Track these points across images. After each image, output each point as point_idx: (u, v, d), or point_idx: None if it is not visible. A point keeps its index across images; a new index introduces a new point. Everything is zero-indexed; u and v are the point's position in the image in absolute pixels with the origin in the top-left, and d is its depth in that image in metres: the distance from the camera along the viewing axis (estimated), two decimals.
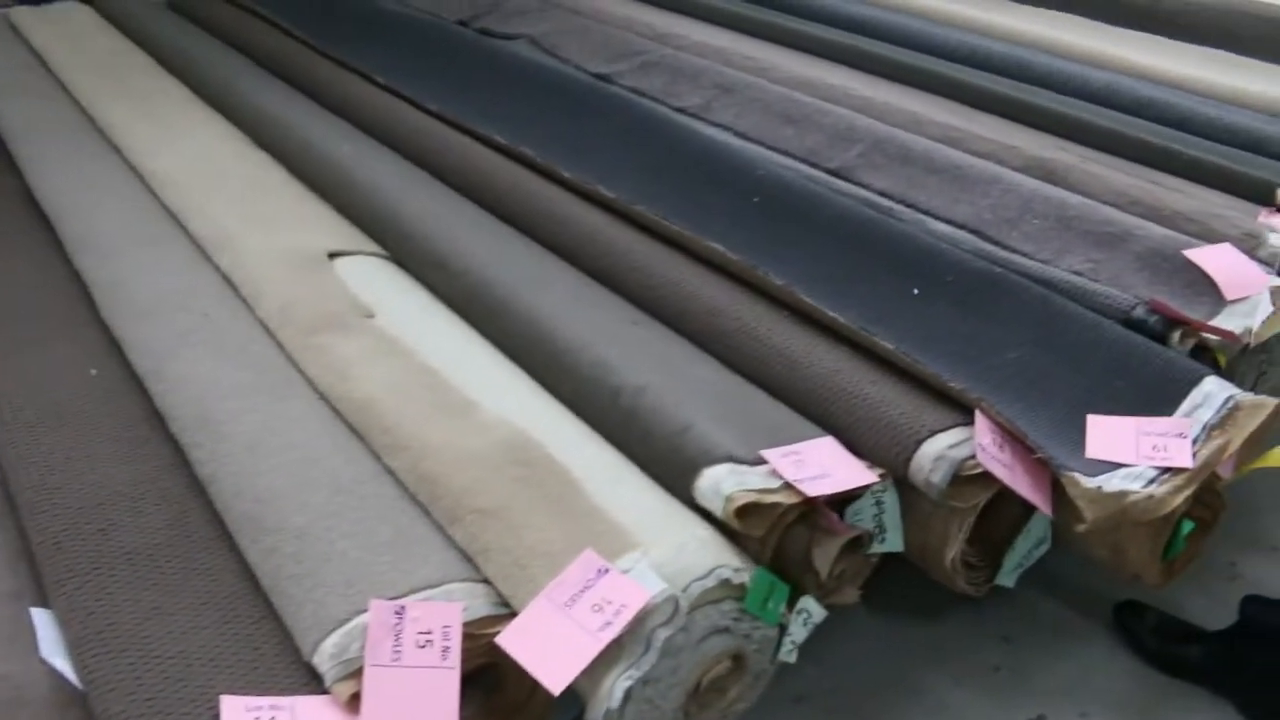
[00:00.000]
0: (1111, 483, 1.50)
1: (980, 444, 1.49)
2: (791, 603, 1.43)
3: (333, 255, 2.00)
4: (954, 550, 1.54)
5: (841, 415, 1.57)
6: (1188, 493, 1.51)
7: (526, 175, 2.20)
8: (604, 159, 2.28)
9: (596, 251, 1.96)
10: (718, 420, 1.52)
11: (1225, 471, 1.62)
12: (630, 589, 1.25)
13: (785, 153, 2.39)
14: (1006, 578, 1.66)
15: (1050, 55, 2.87)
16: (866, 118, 2.47)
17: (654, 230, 1.99)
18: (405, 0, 3.51)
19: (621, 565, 1.30)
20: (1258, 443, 1.64)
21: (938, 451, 1.48)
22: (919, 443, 1.49)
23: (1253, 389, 2.02)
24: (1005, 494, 1.53)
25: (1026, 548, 1.65)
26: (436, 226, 2.01)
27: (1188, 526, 1.59)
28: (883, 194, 2.21)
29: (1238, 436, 1.58)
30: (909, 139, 2.35)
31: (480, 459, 1.46)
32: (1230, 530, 1.87)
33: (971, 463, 1.47)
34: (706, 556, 1.32)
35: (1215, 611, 1.82)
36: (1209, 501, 1.66)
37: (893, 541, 1.58)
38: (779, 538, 1.45)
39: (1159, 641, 1.80)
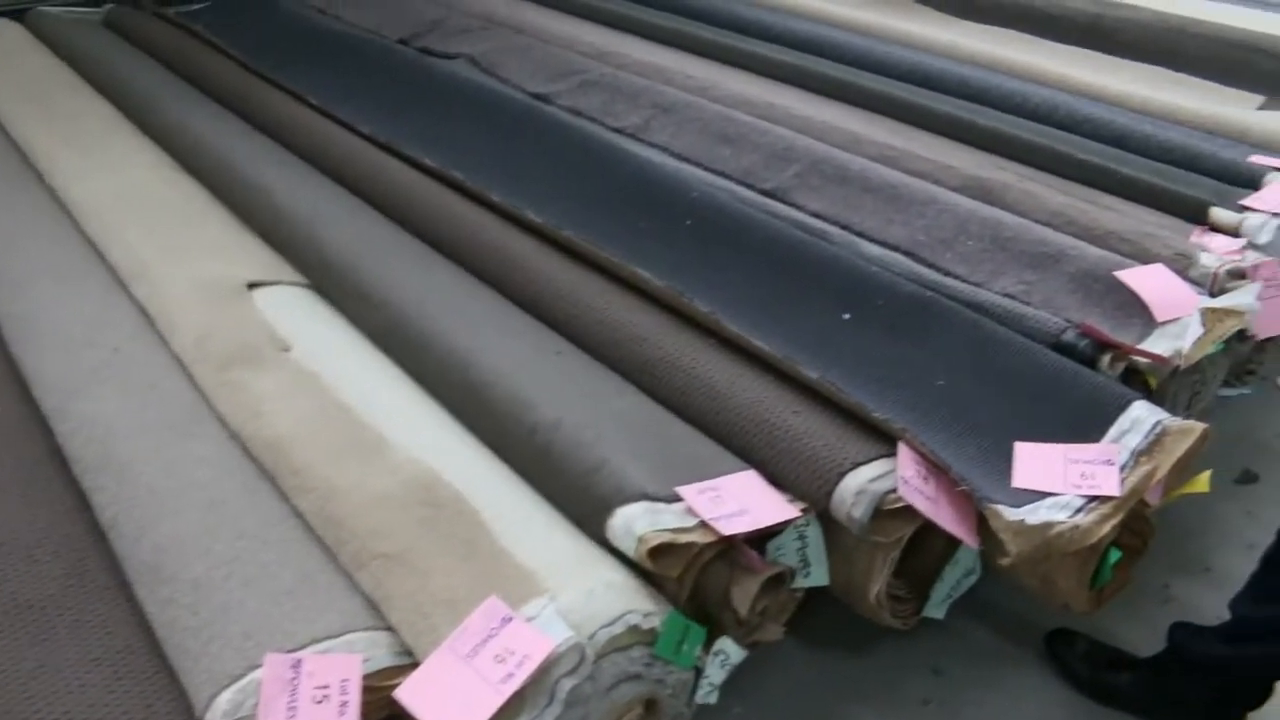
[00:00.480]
0: (1037, 513, 1.47)
1: (903, 477, 1.46)
2: (711, 643, 1.39)
3: (253, 285, 1.95)
4: (878, 585, 1.51)
5: (763, 448, 1.54)
6: (1115, 521, 1.49)
7: (457, 200, 2.16)
8: (537, 183, 2.25)
9: (524, 279, 1.92)
10: (635, 456, 1.48)
11: (1153, 498, 1.60)
12: (534, 638, 1.21)
13: (721, 173, 2.36)
14: (935, 609, 1.63)
15: (991, 72, 2.86)
16: (805, 137, 2.45)
17: (583, 256, 1.95)
18: (347, 19, 3.47)
19: (527, 612, 1.26)
20: (1185, 468, 1.62)
21: (859, 485, 1.45)
22: (840, 476, 1.46)
23: (1186, 409, 2.01)
24: (932, 525, 1.50)
25: (955, 578, 1.63)
26: (359, 255, 1.96)
27: (1115, 556, 1.56)
28: (817, 215, 2.18)
29: (1165, 463, 1.55)
30: (846, 159, 2.33)
31: (388, 501, 1.42)
32: (1163, 552, 1.86)
33: (893, 496, 1.44)
34: (615, 602, 1.28)
35: (1148, 636, 1.80)
36: (1138, 528, 1.64)
37: (817, 576, 1.54)
38: (697, 576, 1.41)
39: (1090, 669, 1.78)
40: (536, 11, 3.41)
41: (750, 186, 2.30)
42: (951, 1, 3.36)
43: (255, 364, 1.73)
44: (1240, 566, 1.92)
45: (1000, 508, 1.44)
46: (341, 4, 3.56)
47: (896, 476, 1.46)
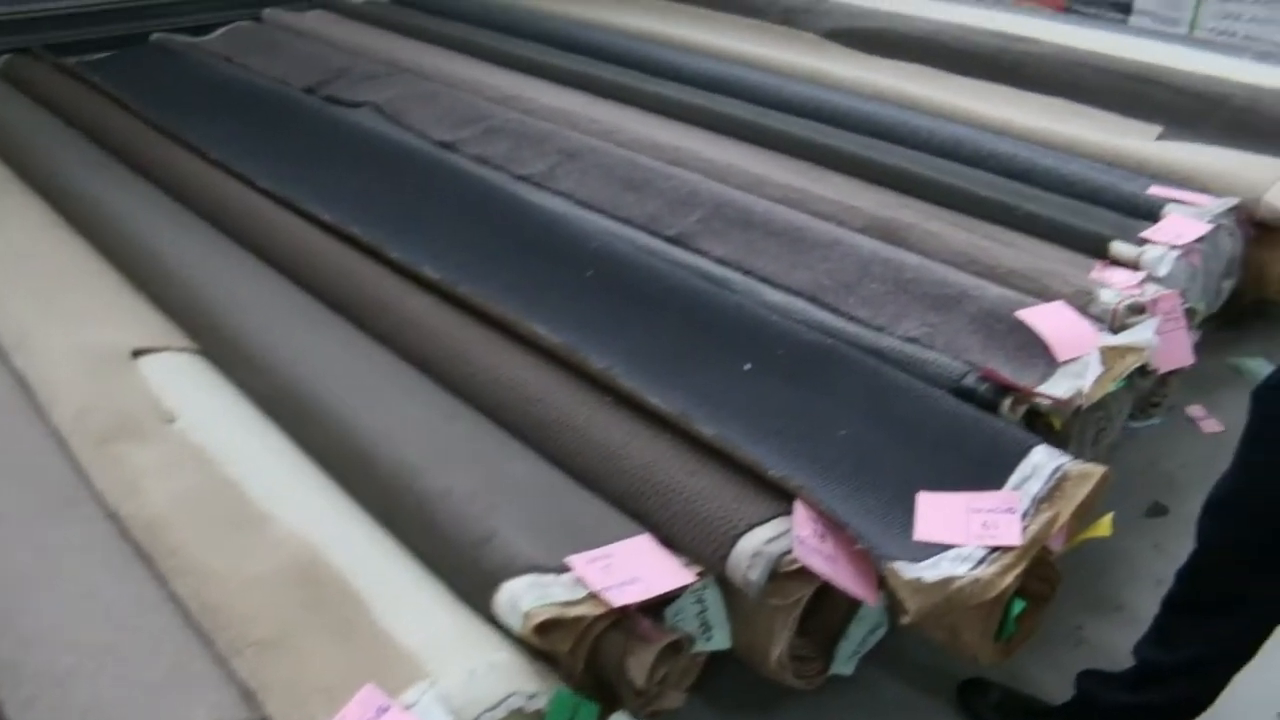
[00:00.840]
0: (938, 568, 1.45)
1: (798, 537, 1.43)
2: (606, 716, 1.35)
3: (139, 352, 1.88)
4: (780, 648, 1.47)
5: (657, 510, 1.50)
6: (1017, 572, 1.47)
7: (354, 257, 2.11)
8: (437, 236, 2.21)
9: (418, 337, 1.88)
10: (525, 525, 1.44)
11: (1056, 545, 1.58)
12: None
13: (625, 220, 2.34)
14: (843, 665, 1.60)
15: (898, 108, 2.87)
16: (709, 181, 2.43)
17: (480, 312, 1.91)
18: (254, 67, 3.41)
19: (406, 699, 1.21)
20: (1088, 511, 1.61)
21: (755, 547, 1.41)
22: (735, 538, 1.43)
23: (1093, 445, 2.01)
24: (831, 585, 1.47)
25: (861, 634, 1.59)
26: (247, 318, 1.91)
27: (1018, 606, 1.54)
28: (721, 261, 2.16)
29: (1066, 509, 1.54)
30: (750, 202, 2.31)
31: (265, 582, 1.37)
32: (1074, 592, 1.85)
33: (789, 558, 1.41)
34: (499, 684, 1.24)
35: (1063, 681, 1.78)
36: (1044, 575, 1.63)
37: (719, 639, 1.50)
38: (591, 648, 1.37)
39: (1003, 719, 1.76)
40: (443, 56, 3.38)
41: (654, 233, 2.28)
42: (860, 38, 3.38)
43: (137, 437, 1.67)
44: (1151, 603, 1.89)
45: (898, 565, 1.42)
46: (248, 53, 3.50)
47: (792, 536, 1.43)
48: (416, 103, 2.95)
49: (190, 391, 1.80)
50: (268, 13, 3.87)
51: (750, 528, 1.44)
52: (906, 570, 1.41)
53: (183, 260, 2.11)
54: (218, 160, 2.56)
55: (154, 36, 3.65)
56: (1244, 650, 1.58)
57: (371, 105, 2.99)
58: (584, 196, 2.43)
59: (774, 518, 1.47)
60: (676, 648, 1.42)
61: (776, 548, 1.42)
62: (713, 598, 1.48)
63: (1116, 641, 1.88)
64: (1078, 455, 1.97)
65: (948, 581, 1.42)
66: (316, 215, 2.25)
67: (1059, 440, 1.88)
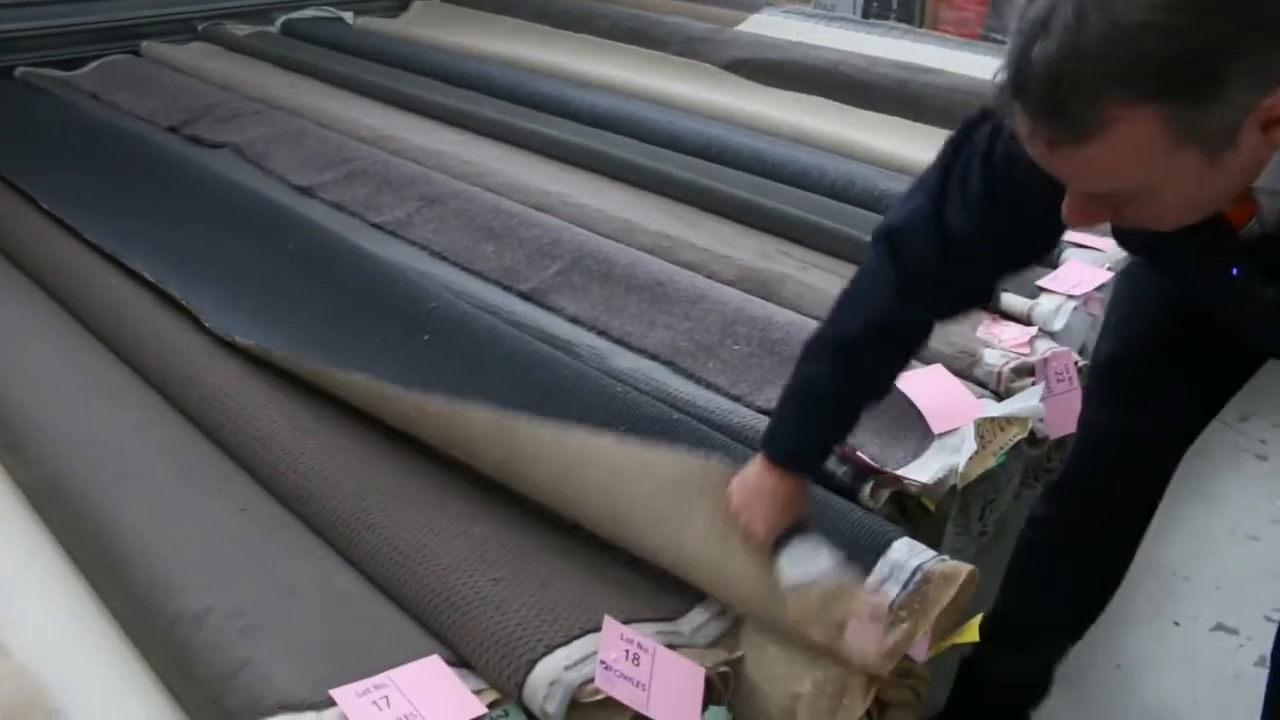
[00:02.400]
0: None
1: (603, 661, 1.24)
2: None
3: None
4: None
5: (453, 626, 1.31)
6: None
7: (168, 321, 1.91)
8: (266, 296, 2.01)
9: (222, 418, 1.68)
10: (288, 651, 1.25)
11: (919, 654, 1.40)
12: None
13: (479, 273, 2.16)
14: None
15: (791, 144, 2.72)
16: (575, 229, 2.25)
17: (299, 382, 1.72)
18: (122, 105, 3.20)
19: None
20: (957, 609, 1.44)
21: (553, 674, 1.22)
22: (532, 663, 1.23)
23: (980, 522, 1.84)
24: None
25: None
26: (27, 399, 1.70)
27: None
28: (574, 320, 1.98)
29: (926, 618, 1.36)
30: (614, 252, 2.14)
31: None
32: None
33: (591, 688, 1.22)
34: None
35: None
36: (910, 684, 1.45)
37: None
38: None
39: None
40: (320, 91, 3.20)
41: (508, 288, 2.09)
42: (761, 69, 3.21)
43: None
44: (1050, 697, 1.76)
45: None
46: (117, 89, 3.29)
47: (596, 661, 1.24)
48: (280, 144, 2.75)
49: None
50: (146, 45, 3.65)
51: (550, 649, 1.25)
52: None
53: None
54: (49, 211, 2.35)
55: (19, 71, 3.43)
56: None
57: (233, 146, 2.79)
58: (440, 246, 2.25)
59: (581, 636, 1.28)
60: None
61: (577, 675, 1.23)
62: None
63: None
64: (961, 533, 1.83)
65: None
66: (140, 273, 2.04)
67: (938, 518, 1.72)
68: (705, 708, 1.36)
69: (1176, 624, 1.93)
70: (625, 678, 1.24)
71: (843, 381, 1.26)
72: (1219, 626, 1.91)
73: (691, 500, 1.39)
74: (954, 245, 1.13)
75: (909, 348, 1.31)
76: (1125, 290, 1.43)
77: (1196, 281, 1.17)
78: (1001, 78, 0.84)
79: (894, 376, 1.34)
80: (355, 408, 1.68)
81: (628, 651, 1.26)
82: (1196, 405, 1.40)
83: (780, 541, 1.32)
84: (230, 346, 1.83)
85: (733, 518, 1.33)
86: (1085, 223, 0.93)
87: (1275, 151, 0.82)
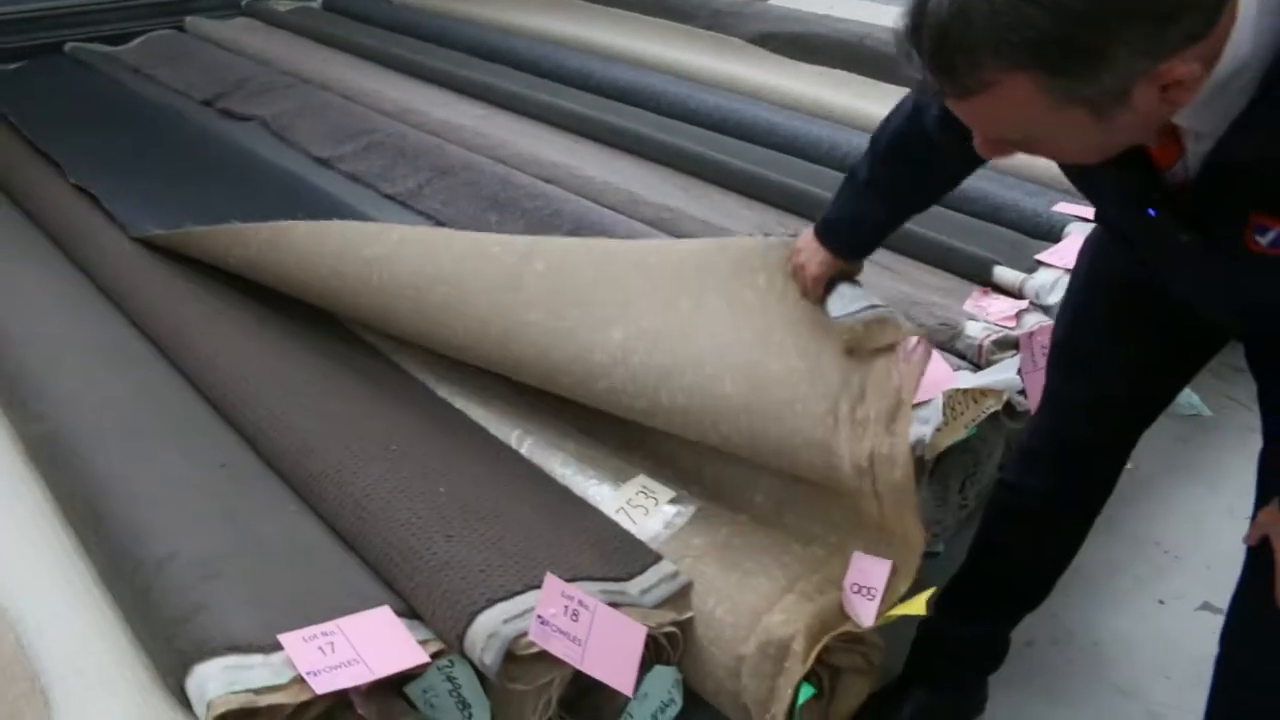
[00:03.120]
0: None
1: (540, 615, 1.28)
2: None
3: None
4: None
5: (405, 578, 1.36)
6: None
7: (174, 289, 1.99)
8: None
9: (213, 379, 1.75)
10: (243, 597, 1.31)
11: (867, 619, 1.42)
12: None
13: None
14: None
15: (807, 119, 2.72)
16: (579, 200, 2.29)
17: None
18: (161, 79, 3.30)
19: None
20: (907, 577, 1.46)
21: (491, 627, 1.27)
22: (473, 615, 1.28)
23: (960, 493, 1.85)
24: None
25: (647, 712, 1.44)
26: (32, 358, 1.79)
27: (807, 693, 1.38)
28: None
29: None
30: (613, 223, 2.17)
31: None
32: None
33: (526, 640, 1.27)
34: None
35: None
36: (862, 651, 1.47)
37: (479, 718, 1.36)
38: None
39: None
40: (351, 66, 3.27)
41: None
42: (786, 43, 3.21)
43: None
44: (1018, 668, 1.75)
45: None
46: (159, 63, 3.39)
47: (533, 615, 1.28)
48: (305, 117, 2.82)
49: None
50: (190, 21, 3.76)
51: (491, 603, 1.30)
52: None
53: None
54: (75, 182, 2.44)
55: (68, 46, 3.55)
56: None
57: (260, 119, 2.87)
58: (446, 216, 2.30)
59: (524, 592, 1.32)
60: None
61: (514, 628, 1.27)
62: (464, 675, 1.33)
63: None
64: (940, 505, 1.83)
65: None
66: (152, 242, 2.12)
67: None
68: (650, 667, 1.40)
69: (1161, 602, 1.91)
70: (562, 632, 1.28)
71: (877, 172, 1.35)
72: (1205, 606, 1.89)
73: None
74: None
75: (930, 169, 1.34)
76: (1084, 262, 1.42)
77: (1120, 217, 1.17)
78: (902, 23, 0.87)
79: (923, 189, 1.40)
80: (341, 375, 1.74)
81: (567, 607, 1.31)
82: (1152, 382, 1.39)
83: (829, 286, 1.44)
84: (229, 314, 1.90)
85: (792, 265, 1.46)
86: (993, 155, 0.97)
87: (1195, 94, 0.84)
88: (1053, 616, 1.88)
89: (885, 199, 1.38)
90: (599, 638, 1.31)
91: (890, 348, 1.39)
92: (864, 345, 1.40)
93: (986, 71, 0.82)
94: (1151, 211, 1.04)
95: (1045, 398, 1.50)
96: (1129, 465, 2.18)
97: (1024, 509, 1.51)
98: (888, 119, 1.34)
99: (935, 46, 0.83)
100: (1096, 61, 0.80)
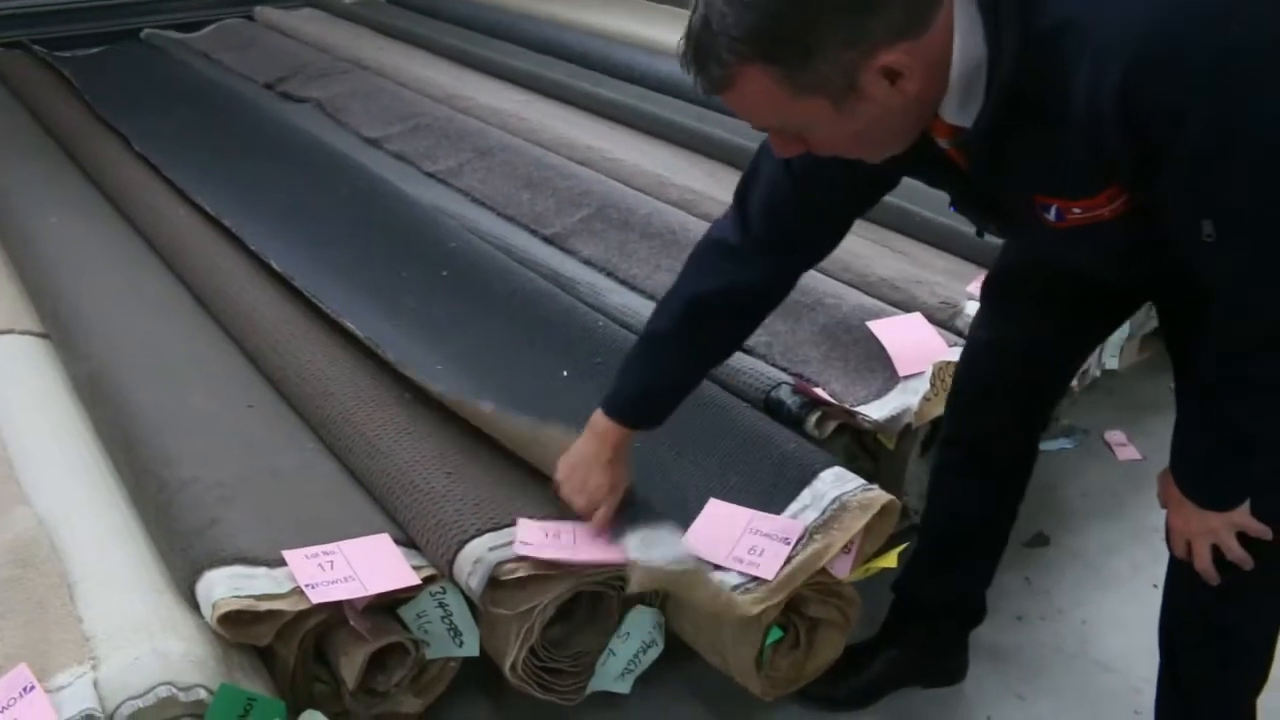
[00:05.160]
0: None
1: (521, 540, 1.37)
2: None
3: None
4: (512, 658, 1.40)
5: (404, 509, 1.47)
6: (771, 604, 1.39)
7: (220, 248, 2.13)
8: (309, 232, 2.22)
9: (249, 328, 1.88)
10: (254, 517, 1.42)
11: (841, 571, 1.49)
12: (42, 711, 1.15)
13: (512, 218, 2.32)
14: (614, 683, 1.53)
15: None
16: (609, 181, 2.40)
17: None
18: (227, 64, 3.47)
19: (57, 681, 1.20)
20: (881, 537, 1.52)
21: (478, 553, 1.36)
22: (462, 544, 1.38)
23: None
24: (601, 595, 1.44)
25: (630, 652, 1.52)
26: (85, 305, 1.93)
27: (774, 635, 1.46)
28: (588, 262, 2.13)
29: (839, 540, 1.45)
30: (636, 202, 2.26)
31: None
32: None
33: (509, 566, 1.36)
34: (154, 673, 1.20)
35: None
36: (838, 604, 1.53)
37: (470, 645, 1.45)
38: (312, 645, 1.35)
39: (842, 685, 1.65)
40: (406, 54, 3.42)
41: (534, 232, 2.25)
42: None
43: None
44: (1006, 639, 1.81)
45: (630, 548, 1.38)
46: (227, 49, 3.57)
47: (516, 541, 1.37)
48: (357, 100, 2.97)
49: (13, 374, 1.83)
50: (259, 10, 3.94)
51: (480, 533, 1.39)
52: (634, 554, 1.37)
53: (55, 248, 2.16)
54: (140, 152, 2.60)
55: (144, 33, 3.75)
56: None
57: (315, 101, 3.02)
58: (481, 194, 2.42)
59: (512, 524, 1.41)
60: (403, 651, 1.38)
61: (498, 555, 1.36)
62: (455, 602, 1.43)
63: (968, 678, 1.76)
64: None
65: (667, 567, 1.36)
66: (201, 206, 2.26)
67: (898, 457, 1.79)
68: (633, 606, 1.49)
69: (1155, 586, 1.92)
70: (549, 546, 1.37)
71: (683, 338, 1.35)
72: None
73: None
74: (796, 173, 1.21)
75: (751, 313, 1.39)
76: None
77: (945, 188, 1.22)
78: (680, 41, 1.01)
79: (735, 343, 1.44)
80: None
81: (546, 533, 1.40)
82: (1057, 326, 1.42)
83: (626, 518, 1.41)
84: (266, 270, 2.02)
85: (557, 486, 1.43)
86: (782, 153, 1.08)
87: (922, 85, 0.95)
88: (1045, 594, 1.92)
89: (694, 362, 1.39)
90: (583, 539, 1.40)
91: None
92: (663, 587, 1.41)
93: (727, 67, 0.95)
94: (952, 208, 1.20)
95: (966, 347, 1.56)
96: (1138, 456, 2.26)
97: (961, 460, 1.57)
98: (688, 276, 1.36)
99: (691, 50, 0.97)
100: (807, 52, 0.92)
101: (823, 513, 1.48)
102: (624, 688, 1.54)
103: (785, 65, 0.93)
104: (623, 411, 1.38)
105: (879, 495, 1.49)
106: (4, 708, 1.16)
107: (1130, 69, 0.87)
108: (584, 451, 1.39)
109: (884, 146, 1.05)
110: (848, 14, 0.90)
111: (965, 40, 0.94)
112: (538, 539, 1.38)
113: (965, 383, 1.54)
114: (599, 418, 1.38)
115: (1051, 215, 1.05)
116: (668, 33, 3.46)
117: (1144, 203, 0.99)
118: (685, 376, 1.40)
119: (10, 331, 1.94)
